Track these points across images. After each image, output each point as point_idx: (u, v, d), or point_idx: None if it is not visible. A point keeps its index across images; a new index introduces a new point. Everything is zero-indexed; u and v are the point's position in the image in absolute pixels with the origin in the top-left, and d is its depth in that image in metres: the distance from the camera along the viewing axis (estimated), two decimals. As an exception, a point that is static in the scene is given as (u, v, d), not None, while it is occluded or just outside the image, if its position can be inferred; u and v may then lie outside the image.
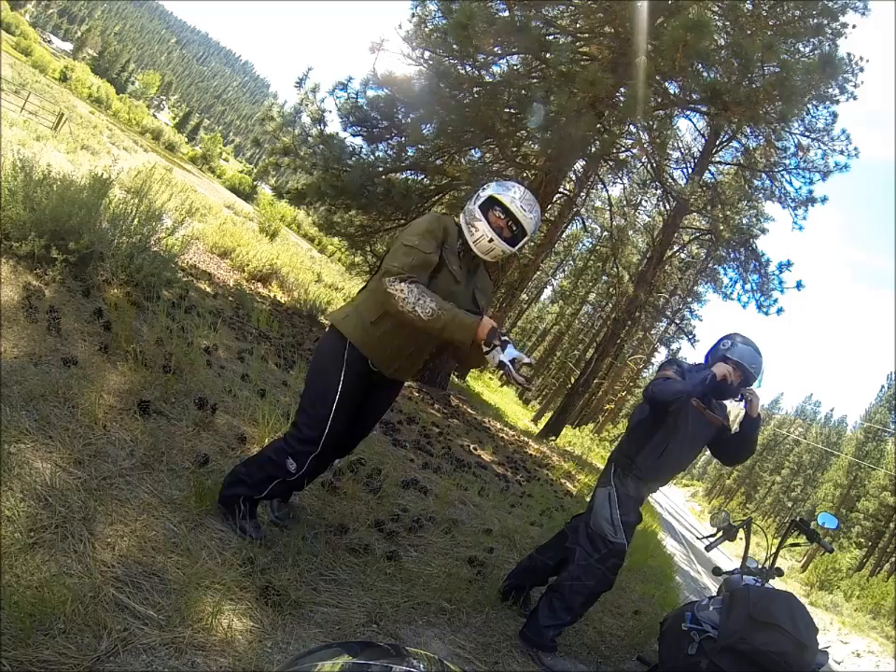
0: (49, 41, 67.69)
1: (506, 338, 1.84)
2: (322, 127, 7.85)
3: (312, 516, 2.47)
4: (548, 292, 34.29)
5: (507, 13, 7.14)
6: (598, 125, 6.93)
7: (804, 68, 6.40)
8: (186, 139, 59.83)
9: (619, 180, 15.89)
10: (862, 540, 29.66)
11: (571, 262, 29.67)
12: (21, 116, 15.80)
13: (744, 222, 15.00)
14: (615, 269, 15.68)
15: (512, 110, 7.46)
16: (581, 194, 14.46)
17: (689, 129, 16.66)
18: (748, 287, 14.12)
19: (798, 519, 2.58)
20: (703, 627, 2.05)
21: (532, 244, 10.81)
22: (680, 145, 13.90)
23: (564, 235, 22.25)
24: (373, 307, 1.97)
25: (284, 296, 8.21)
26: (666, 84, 7.70)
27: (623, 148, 9.26)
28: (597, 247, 22.02)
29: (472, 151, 9.33)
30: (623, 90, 7.15)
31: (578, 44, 7.99)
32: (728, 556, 10.51)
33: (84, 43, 78.43)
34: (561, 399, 19.46)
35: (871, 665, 9.05)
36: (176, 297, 4.22)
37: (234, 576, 1.80)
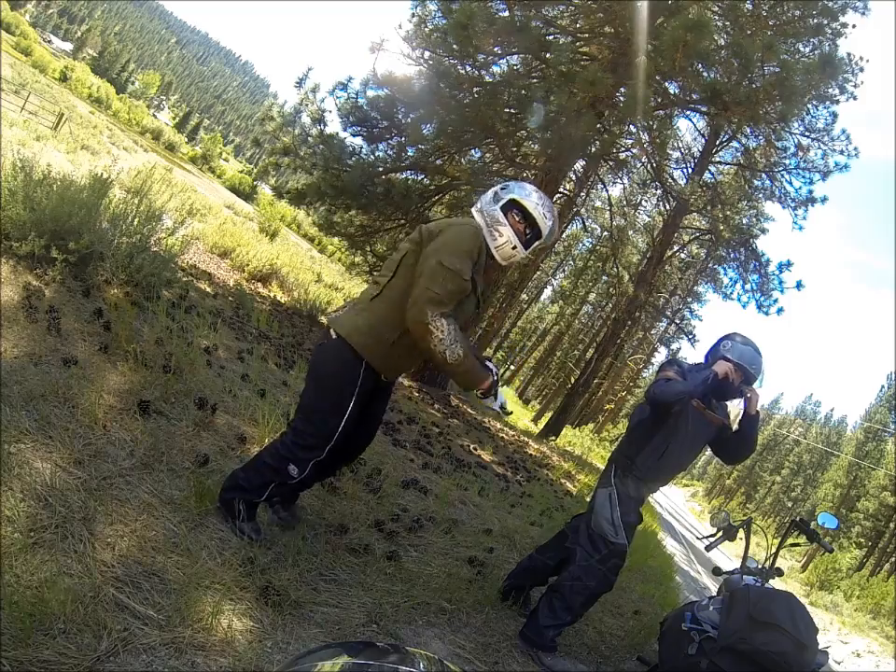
0: (49, 41, 67.71)
1: (497, 384, 1.97)
2: (322, 127, 7.84)
3: (312, 516, 2.46)
4: (548, 292, 34.33)
5: (507, 13, 7.14)
6: (598, 125, 6.93)
7: (804, 68, 6.40)
8: (186, 139, 59.85)
9: (619, 180, 15.91)
10: (862, 540, 29.66)
11: (571, 262, 29.67)
12: (20, 116, 15.80)
13: (744, 222, 15.01)
14: (615, 269, 15.68)
15: (512, 110, 7.47)
16: (581, 194, 14.45)
17: (689, 129, 16.69)
18: (748, 287, 14.14)
19: (798, 519, 2.58)
20: (703, 627, 2.05)
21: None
22: (680, 145, 13.92)
23: (564, 235, 22.24)
24: (393, 325, 1.89)
25: (284, 296, 8.21)
26: (666, 84, 7.70)
27: (623, 148, 9.26)
28: (597, 247, 22.04)
29: (472, 151, 9.34)
30: (623, 90, 7.15)
31: (578, 44, 7.99)
32: (728, 556, 10.51)
33: (84, 43, 78.44)
34: (561, 399, 19.46)
35: (871, 665, 9.05)
36: (176, 297, 4.21)
37: (234, 576, 1.80)
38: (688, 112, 10.65)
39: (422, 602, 2.25)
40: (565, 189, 11.69)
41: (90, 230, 3.35)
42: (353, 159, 7.79)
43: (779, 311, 13.27)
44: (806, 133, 12.71)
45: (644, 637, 3.06)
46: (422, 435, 5.18)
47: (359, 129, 8.01)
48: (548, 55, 6.73)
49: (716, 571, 2.66)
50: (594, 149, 7.50)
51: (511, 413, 2.15)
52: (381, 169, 7.86)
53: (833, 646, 9.20)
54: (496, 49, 7.51)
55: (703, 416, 2.40)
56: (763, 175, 13.87)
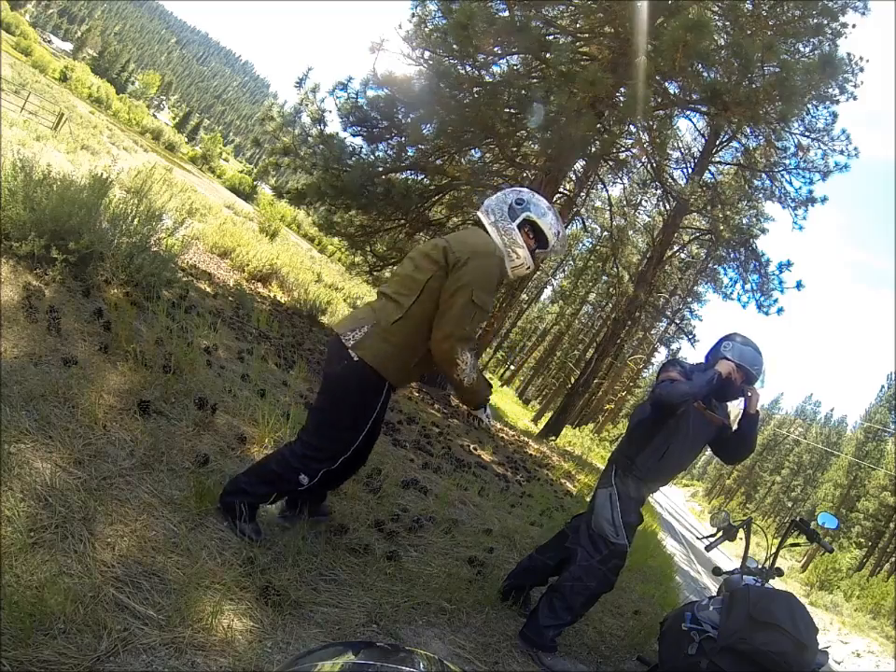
0: (49, 41, 67.70)
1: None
2: (322, 127, 7.85)
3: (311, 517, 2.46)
4: (548, 292, 34.35)
5: (507, 13, 7.14)
6: (598, 125, 6.93)
7: (804, 68, 6.40)
8: (186, 139, 59.84)
9: (619, 180, 15.91)
10: (862, 540, 29.66)
11: (571, 262, 29.66)
12: (20, 116, 15.80)
13: (744, 222, 15.01)
14: (615, 269, 15.68)
15: (512, 110, 7.47)
16: (581, 194, 14.45)
17: (689, 129, 16.71)
18: (748, 287, 14.13)
19: (798, 519, 2.58)
20: (703, 627, 2.05)
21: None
22: (680, 145, 13.92)
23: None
24: (416, 348, 1.94)
25: (284, 296, 8.21)
26: (666, 84, 7.70)
27: (623, 148, 9.26)
28: (597, 247, 22.03)
29: (472, 151, 9.34)
30: (623, 90, 7.16)
31: (578, 44, 7.99)
32: (728, 556, 10.51)
33: (84, 43, 78.44)
34: (561, 399, 19.46)
35: (871, 665, 9.05)
36: (176, 297, 4.21)
37: (234, 576, 1.80)
38: (688, 112, 10.65)
39: (422, 602, 2.25)
40: (565, 189, 11.69)
41: (90, 230, 3.35)
42: (353, 159, 7.79)
43: (779, 311, 13.28)
44: (806, 133, 12.71)
45: (644, 637, 3.06)
46: (422, 435, 5.18)
47: (359, 129, 8.01)
48: (548, 55, 6.73)
49: (716, 571, 2.66)
50: (594, 149, 7.51)
51: (490, 421, 2.29)
52: (381, 169, 7.86)
53: (833, 646, 9.20)
54: (496, 48, 7.51)
55: (703, 416, 2.40)
56: (763, 175, 13.86)
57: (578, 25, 8.17)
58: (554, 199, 10.53)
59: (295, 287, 8.60)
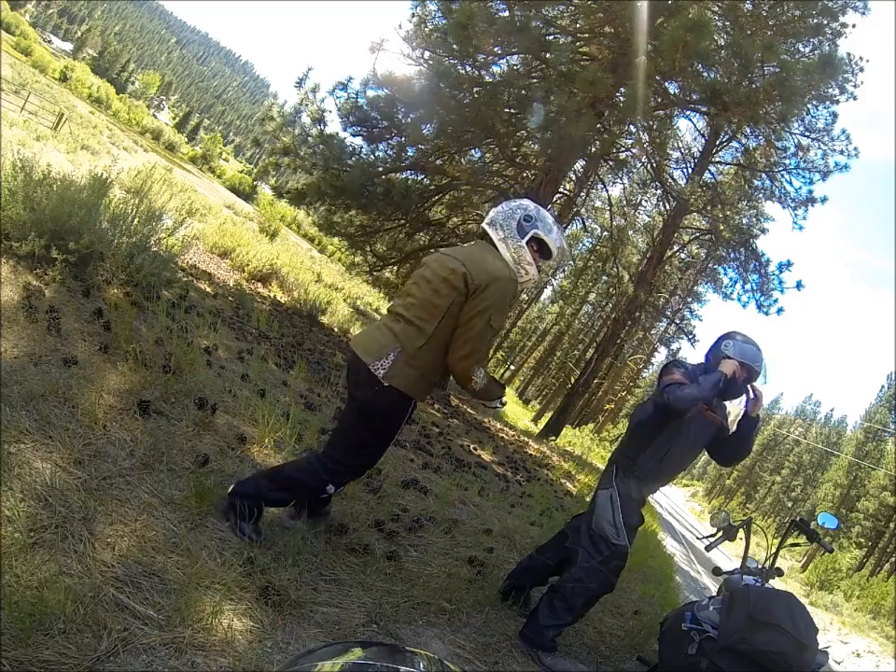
0: (49, 41, 67.73)
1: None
2: (322, 127, 7.85)
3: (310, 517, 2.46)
4: (548, 292, 34.31)
5: (507, 13, 7.15)
6: (598, 125, 6.93)
7: (804, 68, 6.40)
8: (186, 139, 59.86)
9: (619, 180, 15.92)
10: (862, 540, 29.67)
11: (571, 262, 29.66)
12: (20, 116, 15.81)
13: (744, 222, 15.01)
14: (615, 269, 15.69)
15: (512, 110, 7.47)
16: (581, 194, 14.46)
17: (689, 129, 16.72)
18: (748, 287, 14.14)
19: (798, 519, 2.57)
20: (703, 627, 2.05)
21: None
22: (680, 145, 13.92)
23: (564, 234, 22.22)
24: (438, 369, 2.06)
25: (284, 296, 8.21)
26: (666, 84, 7.71)
27: (623, 148, 9.27)
28: (597, 247, 22.02)
29: (472, 151, 9.35)
30: (623, 90, 7.16)
31: (578, 44, 7.99)
32: (728, 556, 10.52)
33: (84, 43, 78.46)
34: (561, 399, 19.46)
35: (871, 665, 9.05)
36: (176, 297, 4.21)
37: (234, 576, 1.80)
38: (688, 112, 10.66)
39: (422, 602, 2.25)
40: (565, 189, 11.70)
41: (90, 230, 3.35)
42: (353, 159, 7.80)
43: (779, 311, 13.29)
44: (806, 133, 12.71)
45: (644, 637, 3.06)
46: (422, 435, 5.18)
47: (359, 129, 8.02)
48: (548, 55, 6.74)
49: (716, 571, 2.66)
50: (594, 149, 7.51)
51: (506, 402, 2.36)
52: (381, 169, 7.87)
53: (833, 646, 9.20)
54: (496, 49, 7.52)
55: (705, 417, 2.39)
56: (763, 175, 13.87)
57: (578, 25, 8.17)
58: (554, 199, 10.54)
59: (295, 287, 8.59)
